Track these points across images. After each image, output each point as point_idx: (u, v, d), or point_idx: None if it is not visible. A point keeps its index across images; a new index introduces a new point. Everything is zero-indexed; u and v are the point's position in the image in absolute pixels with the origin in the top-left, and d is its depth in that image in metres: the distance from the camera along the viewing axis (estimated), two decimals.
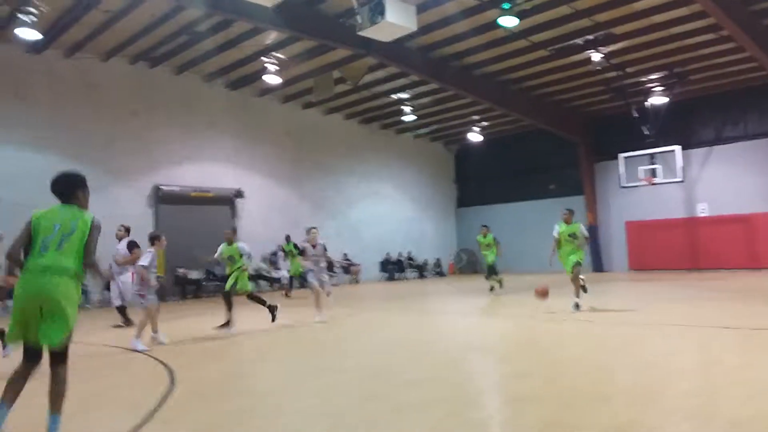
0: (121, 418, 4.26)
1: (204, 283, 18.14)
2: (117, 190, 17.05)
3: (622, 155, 19.76)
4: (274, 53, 16.41)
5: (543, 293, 9.60)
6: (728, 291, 13.08)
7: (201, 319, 11.87)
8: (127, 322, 10.21)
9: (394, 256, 24.27)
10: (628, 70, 17.74)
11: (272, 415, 4.39)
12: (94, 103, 16.80)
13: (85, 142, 16.48)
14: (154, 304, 7.72)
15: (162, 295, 17.02)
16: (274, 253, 20.07)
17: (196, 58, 17.03)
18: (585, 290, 9.98)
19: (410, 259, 24.77)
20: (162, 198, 17.78)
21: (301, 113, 22.05)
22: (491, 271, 14.74)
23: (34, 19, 12.55)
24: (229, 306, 9.12)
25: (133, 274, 8.67)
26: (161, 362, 6.51)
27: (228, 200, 19.56)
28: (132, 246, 9.43)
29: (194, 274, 17.86)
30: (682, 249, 20.81)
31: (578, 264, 9.70)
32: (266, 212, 20.56)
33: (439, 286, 17.78)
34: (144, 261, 7.76)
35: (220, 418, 4.28)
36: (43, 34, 13.55)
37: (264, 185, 20.66)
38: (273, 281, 19.63)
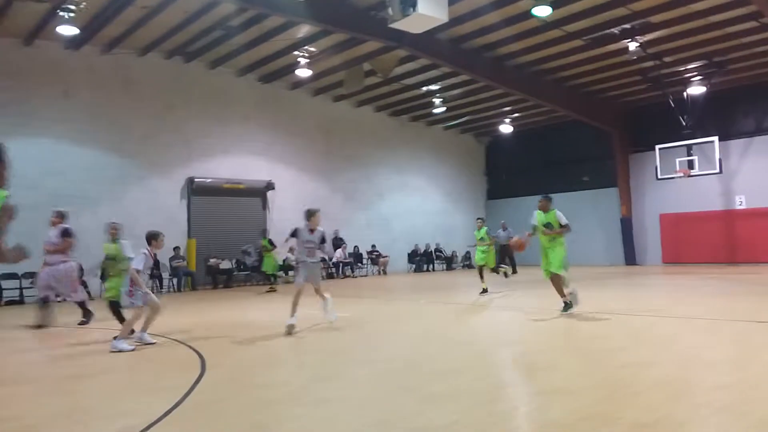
0: (154, 403, 4.41)
1: (235, 272, 18.46)
2: (154, 182, 17.50)
3: (658, 146, 19.36)
4: (305, 47, 16.53)
5: (518, 246, 9.14)
6: (765, 285, 12.74)
7: (231, 307, 12.11)
8: (87, 315, 9.32)
9: (422, 248, 24.28)
10: (666, 59, 17.34)
11: (304, 404, 4.49)
12: (132, 97, 17.21)
13: (123, 135, 16.94)
14: (150, 303, 7.14)
15: (194, 284, 17.52)
16: None
17: (229, 52, 17.28)
18: (575, 302, 8.67)
19: (438, 251, 24.75)
20: (195, 189, 18.15)
21: (332, 106, 22.18)
22: (494, 270, 13.79)
23: (73, 15, 12.89)
24: (119, 317, 7.70)
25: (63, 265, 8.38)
26: (193, 349, 6.69)
27: (260, 192, 19.84)
28: (65, 234, 8.83)
29: (225, 264, 18.19)
30: (718, 242, 20.32)
31: (555, 274, 8.54)
32: (297, 204, 20.64)
33: (466, 279, 17.72)
34: (137, 264, 7.12)
35: (251, 405, 4.39)
36: (81, 30, 13.92)
37: (295, 177, 20.88)
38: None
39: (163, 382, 5.29)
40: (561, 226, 8.57)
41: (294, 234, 8.29)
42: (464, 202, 26.72)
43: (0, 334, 8.99)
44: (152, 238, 7.36)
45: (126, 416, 4.15)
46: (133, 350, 6.77)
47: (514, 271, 18.48)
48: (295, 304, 7.86)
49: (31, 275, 14.60)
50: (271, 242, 16.06)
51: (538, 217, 8.80)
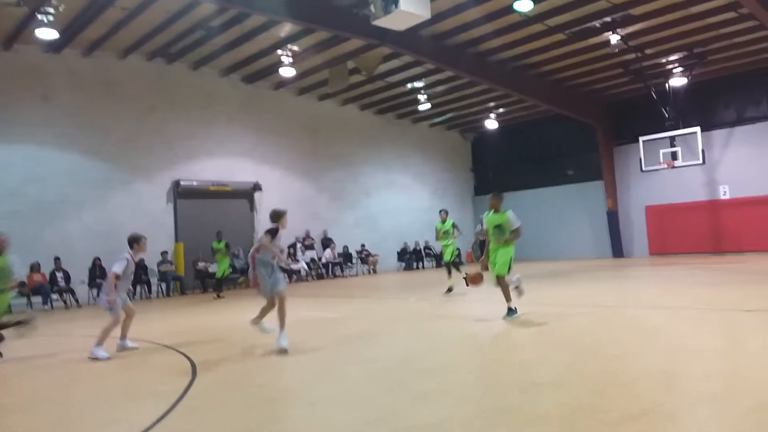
0: (147, 408, 4.37)
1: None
2: (139, 186, 17.33)
3: (642, 138, 19.51)
4: (288, 46, 16.46)
5: (475, 280, 8.53)
6: (751, 274, 12.90)
7: (221, 311, 12.04)
8: None
9: (411, 246, 24.30)
10: (647, 51, 17.46)
11: (296, 406, 4.47)
12: (114, 100, 17.03)
13: (105, 139, 16.75)
14: (120, 311, 7.02)
15: (183, 289, 17.39)
16: (293, 245, 20.24)
17: (212, 53, 17.15)
18: (520, 293, 8.22)
19: (427, 248, 24.78)
20: (181, 192, 18.00)
21: (317, 105, 22.11)
22: (454, 266, 12.43)
23: (52, 18, 12.72)
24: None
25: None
26: (183, 354, 6.64)
27: (246, 194, 19.74)
28: None
29: (213, 268, 18.05)
30: (704, 232, 20.53)
31: (500, 276, 7.92)
32: (284, 205, 20.42)
33: (456, 276, 17.75)
34: (117, 268, 6.90)
35: (244, 408, 4.37)
36: (61, 34, 13.74)
37: (282, 178, 20.79)
38: (291, 273, 19.78)
39: (154, 387, 5.25)
40: (512, 231, 7.87)
41: (272, 232, 6.73)
42: (451, 198, 26.75)
43: None
44: (134, 241, 7.18)
45: (118, 423, 4.11)
46: (108, 358, 6.66)
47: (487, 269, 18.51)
48: (283, 318, 6.63)
49: (20, 284, 14.42)
50: (227, 246, 15.52)
51: (487, 218, 8.18)
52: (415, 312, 10.01)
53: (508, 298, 8.01)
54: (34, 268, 14.54)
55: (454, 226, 12.41)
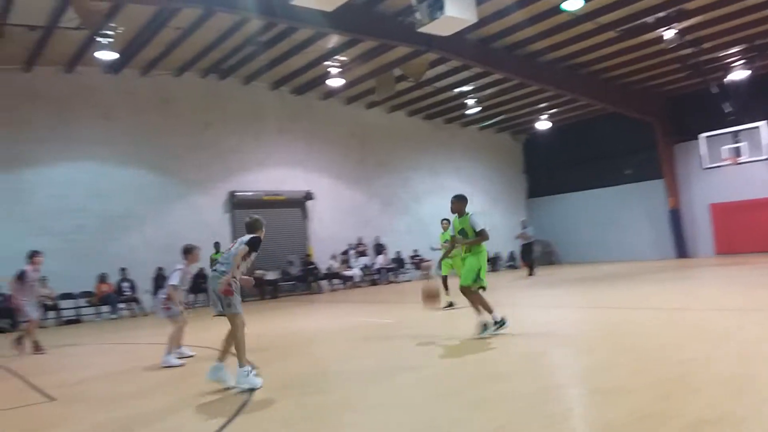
0: (213, 412, 4.47)
1: (280, 283, 18.67)
2: (195, 198, 17.90)
3: (702, 135, 18.75)
4: (335, 57, 16.68)
5: (430, 296, 7.64)
6: None
7: (279, 317, 12.25)
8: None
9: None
10: (705, 45, 16.77)
11: (355, 410, 4.48)
12: (170, 116, 17.69)
13: (163, 154, 17.40)
14: (180, 317, 7.26)
15: (242, 296, 17.74)
16: (346, 252, 20.45)
17: (261, 67, 17.58)
18: (483, 329, 7.14)
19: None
20: (237, 203, 18.47)
21: (365, 113, 22.29)
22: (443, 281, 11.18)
23: (111, 40, 13.32)
24: None
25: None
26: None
27: (299, 202, 20.07)
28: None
29: (271, 275, 18.41)
30: None
31: (465, 287, 7.19)
32: (336, 212, 20.93)
33: (511, 280, 17.49)
34: (173, 280, 7.21)
35: (305, 413, 4.41)
36: (120, 55, 14.37)
37: (333, 186, 21.03)
38: (346, 279, 19.97)
39: (217, 394, 5.37)
40: (476, 233, 7.17)
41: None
42: (504, 202, 26.39)
43: (58, 352, 9.30)
44: (187, 252, 7.39)
45: (185, 430, 4.22)
46: (182, 365, 6.88)
47: (531, 273, 18.18)
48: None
49: (88, 294, 15.13)
50: None
51: (453, 224, 7.58)
52: (468, 317, 9.87)
53: (479, 310, 7.15)
54: (103, 278, 15.21)
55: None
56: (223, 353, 5.52)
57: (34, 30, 13.43)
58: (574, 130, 24.96)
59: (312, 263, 19.34)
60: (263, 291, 18.04)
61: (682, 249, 21.66)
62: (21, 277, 8.79)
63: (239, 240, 5.66)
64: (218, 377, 5.41)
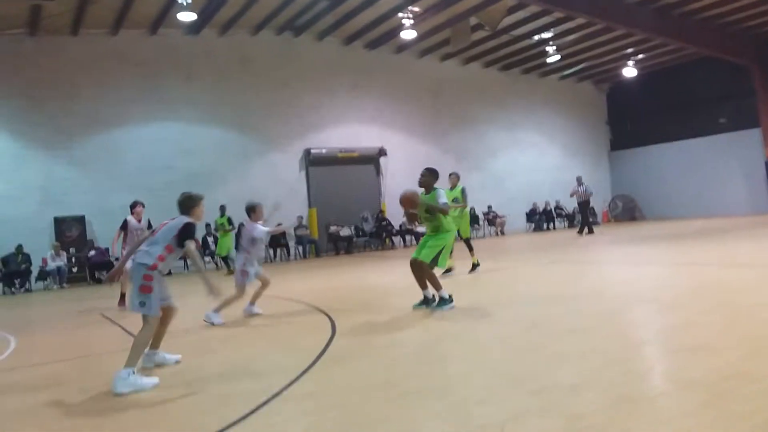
0: (291, 362, 4.69)
1: (354, 239, 19.03)
2: (273, 156, 18.40)
3: None
4: (408, 8, 16.33)
5: (408, 202, 6.62)
6: None
7: (353, 272, 12.52)
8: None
9: (541, 207, 23.50)
10: None
11: (430, 362, 4.55)
12: (248, 75, 18.11)
13: (243, 113, 17.93)
14: (248, 285, 7.11)
15: (317, 251, 18.32)
16: None
17: (335, 22, 17.50)
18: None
19: (559, 208, 23.83)
20: (312, 161, 18.83)
21: (439, 66, 21.85)
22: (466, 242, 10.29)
23: (190, 1, 13.64)
24: None
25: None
26: (324, 312, 7.00)
27: (372, 159, 20.17)
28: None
29: (345, 231, 18.79)
30: None
31: (419, 261, 6.55)
32: (410, 168, 20.80)
33: (591, 236, 16.94)
34: (258, 233, 7.10)
35: (380, 363, 4.53)
36: (198, 15, 14.72)
37: (406, 141, 20.94)
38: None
39: (299, 343, 5.61)
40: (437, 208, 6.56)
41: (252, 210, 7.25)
42: (585, 156, 25.39)
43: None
44: (250, 210, 7.27)
45: (269, 375, 4.45)
46: (222, 324, 6.73)
47: (591, 231, 17.38)
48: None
49: None
50: (230, 221, 14.86)
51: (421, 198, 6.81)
52: (548, 273, 9.72)
53: (422, 286, 6.60)
54: None
55: (463, 192, 9.82)
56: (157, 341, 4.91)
57: None
58: (662, 77, 23.43)
59: (385, 219, 19.52)
60: (337, 246, 18.46)
61: None
62: (123, 226, 9.34)
63: (170, 224, 4.80)
64: (155, 361, 4.88)
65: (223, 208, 15.22)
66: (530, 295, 7.50)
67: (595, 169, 25.44)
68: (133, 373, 4.24)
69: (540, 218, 23.21)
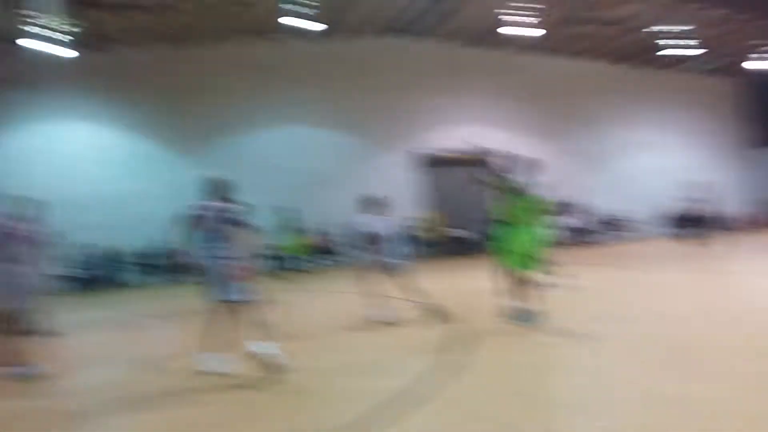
0: (412, 356, 4.85)
1: (468, 241, 18.83)
2: (387, 158, 18.93)
3: None
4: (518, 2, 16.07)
5: None
6: None
7: (468, 275, 12.44)
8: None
9: (672, 212, 21.82)
10: None
11: (554, 375, 4.50)
12: (367, 78, 18.69)
13: (358, 116, 18.63)
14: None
15: (436, 253, 18.39)
16: None
17: (444, 22, 17.72)
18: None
19: (692, 214, 21.96)
20: (429, 162, 19.09)
21: (556, 63, 21.11)
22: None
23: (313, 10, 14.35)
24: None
25: None
26: (439, 309, 7.12)
27: (482, 160, 19.89)
28: None
29: (457, 233, 18.70)
30: None
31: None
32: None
33: (735, 244, 15.45)
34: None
35: (508, 373, 4.55)
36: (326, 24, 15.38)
37: (521, 143, 20.45)
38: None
39: (425, 345, 5.70)
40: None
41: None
42: (721, 156, 23.46)
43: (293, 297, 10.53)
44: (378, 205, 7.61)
45: (392, 377, 4.64)
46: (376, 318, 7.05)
47: (706, 242, 15.56)
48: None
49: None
50: (293, 220, 14.92)
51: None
52: (695, 285, 9.03)
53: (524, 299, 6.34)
54: (315, 231, 16.75)
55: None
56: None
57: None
58: None
59: None
60: (452, 249, 18.45)
61: None
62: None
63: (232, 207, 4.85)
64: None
65: (280, 209, 14.73)
66: (677, 308, 6.98)
67: (734, 171, 23.44)
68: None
69: (678, 224, 21.22)
